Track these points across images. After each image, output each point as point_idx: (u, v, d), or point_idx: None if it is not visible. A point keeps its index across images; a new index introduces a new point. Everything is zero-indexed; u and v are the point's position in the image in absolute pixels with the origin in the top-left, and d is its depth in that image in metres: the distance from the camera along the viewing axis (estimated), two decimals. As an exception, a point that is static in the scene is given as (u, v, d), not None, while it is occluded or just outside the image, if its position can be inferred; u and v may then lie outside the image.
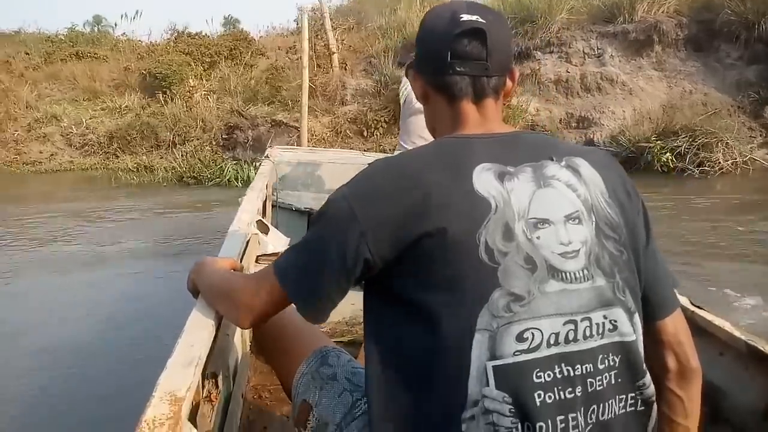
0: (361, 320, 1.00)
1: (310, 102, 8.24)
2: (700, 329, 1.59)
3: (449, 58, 1.02)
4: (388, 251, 0.90)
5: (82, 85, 12.85)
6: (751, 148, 8.56)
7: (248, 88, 11.25)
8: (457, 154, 0.96)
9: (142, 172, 10.16)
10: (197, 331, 1.15)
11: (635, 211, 1.02)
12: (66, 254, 5.56)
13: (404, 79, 3.11)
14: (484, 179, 0.92)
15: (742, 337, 1.43)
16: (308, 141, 6.90)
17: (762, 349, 1.37)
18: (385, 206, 0.90)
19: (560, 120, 9.70)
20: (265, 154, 3.91)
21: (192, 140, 10.53)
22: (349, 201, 0.93)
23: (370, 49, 11.29)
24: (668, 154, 8.36)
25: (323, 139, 9.92)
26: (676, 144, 8.40)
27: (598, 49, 9.98)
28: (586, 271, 0.91)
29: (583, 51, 10.02)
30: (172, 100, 11.20)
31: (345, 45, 11.55)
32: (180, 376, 1.00)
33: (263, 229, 2.47)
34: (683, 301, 1.66)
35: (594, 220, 0.95)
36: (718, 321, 1.53)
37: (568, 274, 0.90)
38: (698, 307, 1.62)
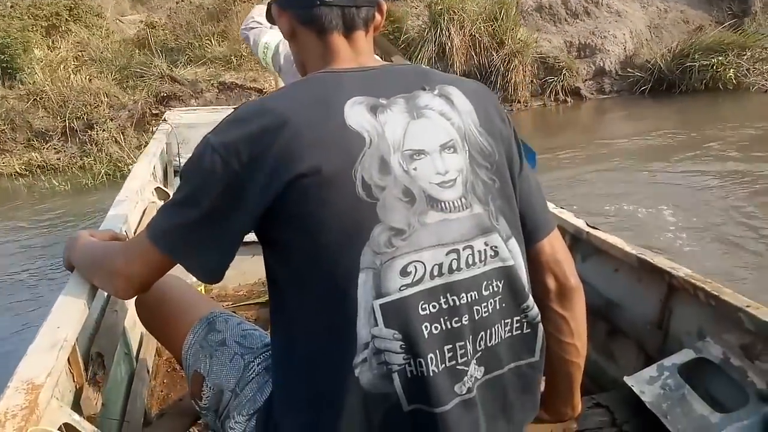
0: None
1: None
2: (596, 249, 1.63)
3: None
4: (264, 197, 0.84)
5: None
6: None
7: (120, 54, 8.73)
8: (327, 90, 0.91)
9: (42, 175, 7.14)
10: (65, 311, 1.06)
11: (509, 138, 1.00)
12: None
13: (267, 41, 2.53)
14: (356, 113, 0.87)
15: (634, 252, 1.48)
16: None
17: (651, 261, 1.42)
18: (254, 151, 0.84)
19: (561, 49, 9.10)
20: (163, 118, 3.70)
21: (102, 123, 7.66)
22: (217, 150, 0.86)
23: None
24: (732, 70, 7.97)
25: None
26: (726, 60, 8.04)
27: (566, -31, 9.43)
28: (464, 200, 0.89)
29: (553, -28, 9.41)
30: (31, 77, 8.11)
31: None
32: (40, 361, 0.92)
33: (163, 196, 2.33)
34: (579, 223, 1.70)
35: (467, 148, 0.93)
36: (611, 239, 1.57)
37: (446, 203, 0.88)
38: (593, 227, 1.66)
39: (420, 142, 0.89)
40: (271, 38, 2.49)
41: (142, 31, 9.22)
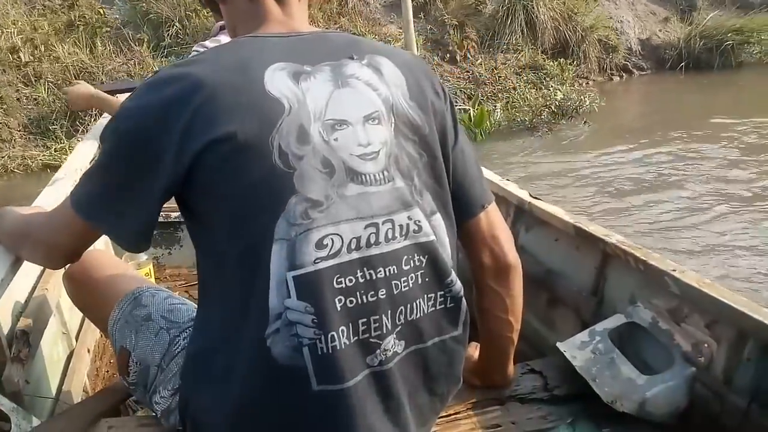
0: None
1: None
2: (538, 220, 1.65)
3: None
4: (179, 163, 0.81)
5: None
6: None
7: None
8: (250, 54, 0.88)
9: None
10: None
11: (443, 111, 0.98)
12: None
13: None
14: (277, 79, 0.85)
15: (571, 221, 1.49)
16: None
17: (587, 228, 1.43)
18: (168, 115, 0.81)
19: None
20: (116, 95, 3.61)
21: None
22: (132, 114, 0.84)
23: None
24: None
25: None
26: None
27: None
28: (386, 173, 0.88)
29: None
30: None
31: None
32: None
33: None
34: (522, 194, 1.70)
35: (393, 120, 0.91)
36: (552, 209, 1.58)
37: (367, 176, 0.86)
38: (536, 197, 1.67)
39: (343, 112, 0.87)
40: None
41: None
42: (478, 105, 6.99)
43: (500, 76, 7.80)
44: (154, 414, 1.08)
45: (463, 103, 7.23)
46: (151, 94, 0.85)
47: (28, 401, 1.16)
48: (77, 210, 0.89)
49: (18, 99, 6.38)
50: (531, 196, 1.68)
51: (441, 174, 0.95)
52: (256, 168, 0.82)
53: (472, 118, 6.65)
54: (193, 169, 0.82)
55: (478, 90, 7.54)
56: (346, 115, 0.87)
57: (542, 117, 6.89)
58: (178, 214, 2.48)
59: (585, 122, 6.80)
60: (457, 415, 1.13)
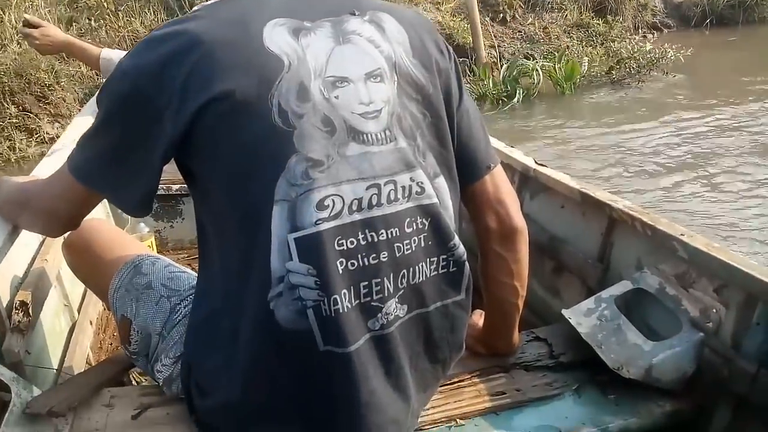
0: None
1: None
2: (544, 186, 1.62)
3: None
4: (178, 123, 0.79)
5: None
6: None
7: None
8: (249, 10, 0.85)
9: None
10: None
11: (447, 70, 0.95)
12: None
13: None
14: (276, 35, 0.82)
15: (577, 187, 1.47)
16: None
17: (593, 194, 1.41)
18: (166, 74, 0.79)
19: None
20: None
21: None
22: (128, 74, 0.82)
23: None
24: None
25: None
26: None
27: None
28: (388, 132, 0.85)
29: None
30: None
31: None
32: None
33: None
34: (528, 161, 1.68)
35: (396, 79, 0.88)
36: (557, 175, 1.56)
37: (369, 135, 0.84)
38: (541, 164, 1.64)
39: (344, 68, 0.84)
40: None
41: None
42: (566, 59, 6.96)
43: (552, 35, 7.85)
44: (156, 383, 1.08)
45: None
46: (147, 52, 0.82)
47: (29, 372, 1.15)
48: (76, 175, 0.87)
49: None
50: (536, 162, 1.65)
51: (445, 135, 0.93)
52: (255, 127, 0.79)
53: (559, 72, 6.64)
54: (191, 129, 0.79)
55: (538, 49, 7.60)
56: (348, 72, 0.84)
57: (629, 69, 6.90)
58: (179, 186, 2.47)
59: (666, 73, 6.81)
60: (461, 383, 1.12)
